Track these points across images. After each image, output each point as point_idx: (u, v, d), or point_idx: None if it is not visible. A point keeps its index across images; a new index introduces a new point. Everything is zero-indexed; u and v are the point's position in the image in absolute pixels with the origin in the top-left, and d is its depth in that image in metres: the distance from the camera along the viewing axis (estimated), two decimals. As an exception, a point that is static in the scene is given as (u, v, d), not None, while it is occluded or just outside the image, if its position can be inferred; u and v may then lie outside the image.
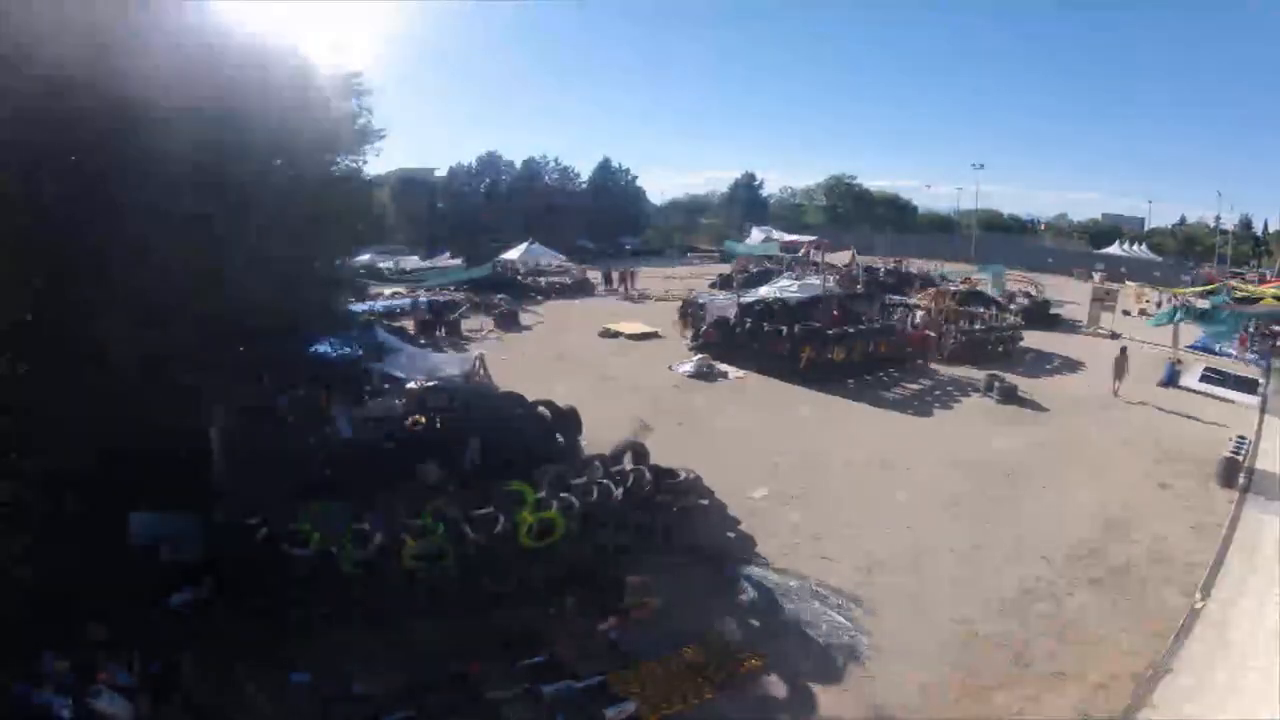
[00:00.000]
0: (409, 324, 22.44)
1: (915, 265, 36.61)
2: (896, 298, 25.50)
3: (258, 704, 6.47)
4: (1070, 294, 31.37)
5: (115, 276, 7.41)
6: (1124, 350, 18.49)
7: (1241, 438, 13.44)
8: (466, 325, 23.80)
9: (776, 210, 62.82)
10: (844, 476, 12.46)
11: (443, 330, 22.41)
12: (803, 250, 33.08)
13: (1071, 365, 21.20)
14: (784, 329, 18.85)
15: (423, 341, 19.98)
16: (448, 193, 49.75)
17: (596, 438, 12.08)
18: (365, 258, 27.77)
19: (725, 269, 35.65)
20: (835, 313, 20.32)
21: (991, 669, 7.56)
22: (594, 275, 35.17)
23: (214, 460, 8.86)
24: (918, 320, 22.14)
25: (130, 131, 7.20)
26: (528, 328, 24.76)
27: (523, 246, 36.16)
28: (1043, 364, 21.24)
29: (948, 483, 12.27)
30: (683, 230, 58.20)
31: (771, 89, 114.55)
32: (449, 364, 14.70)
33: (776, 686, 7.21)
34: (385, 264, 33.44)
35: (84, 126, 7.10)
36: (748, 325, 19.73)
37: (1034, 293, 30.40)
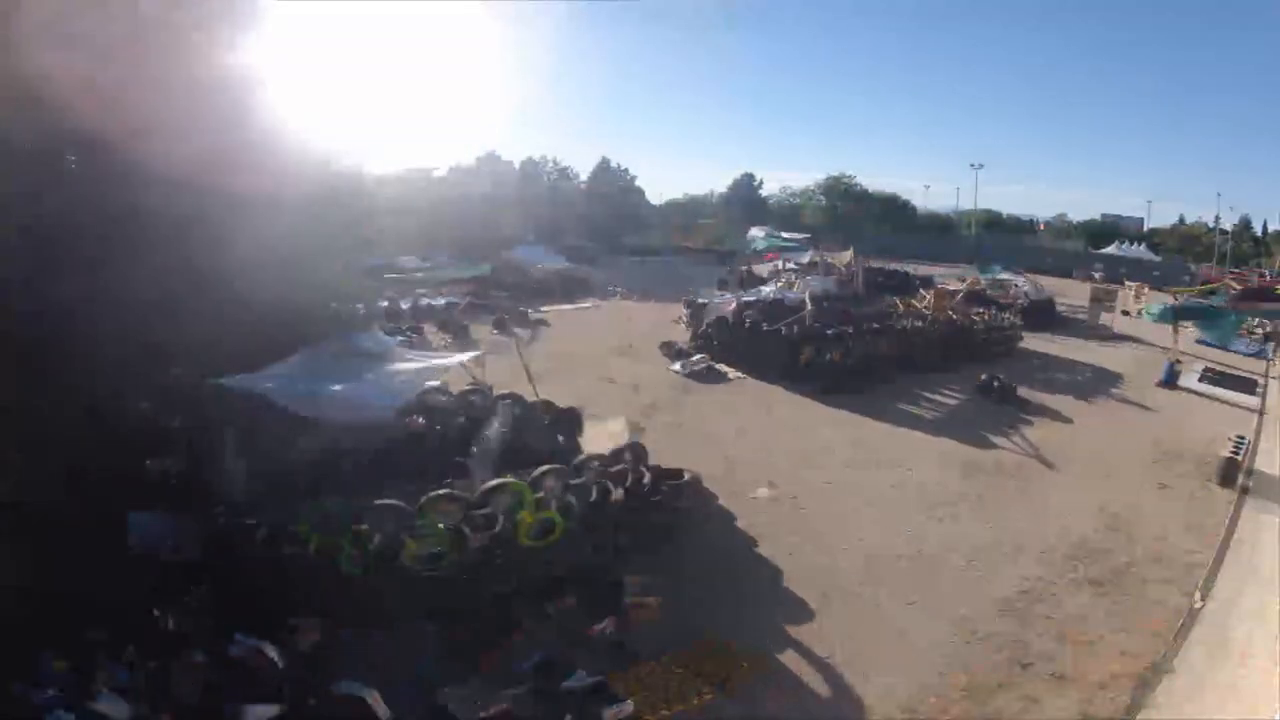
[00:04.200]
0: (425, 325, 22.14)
1: (915, 269, 36.37)
2: (897, 299, 25.46)
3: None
4: (1070, 296, 31.30)
5: (108, 273, 7.42)
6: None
7: (1241, 438, 13.46)
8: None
9: (775, 210, 62.69)
10: (844, 476, 12.45)
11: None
12: (810, 254, 32.82)
13: (1066, 365, 21.20)
14: (784, 329, 18.87)
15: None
16: (447, 193, 49.64)
17: (596, 437, 12.08)
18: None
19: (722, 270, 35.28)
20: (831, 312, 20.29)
21: (991, 669, 7.56)
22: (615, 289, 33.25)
23: (225, 464, 8.81)
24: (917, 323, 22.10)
25: (128, 138, 7.21)
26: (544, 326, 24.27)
27: (521, 246, 36.09)
28: (1040, 365, 21.24)
29: (947, 483, 12.28)
30: (681, 230, 58.04)
31: (772, 89, 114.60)
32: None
33: (777, 687, 7.21)
34: (380, 263, 33.11)
35: (84, 133, 7.11)
36: (747, 325, 19.74)
37: (1030, 291, 30.29)
